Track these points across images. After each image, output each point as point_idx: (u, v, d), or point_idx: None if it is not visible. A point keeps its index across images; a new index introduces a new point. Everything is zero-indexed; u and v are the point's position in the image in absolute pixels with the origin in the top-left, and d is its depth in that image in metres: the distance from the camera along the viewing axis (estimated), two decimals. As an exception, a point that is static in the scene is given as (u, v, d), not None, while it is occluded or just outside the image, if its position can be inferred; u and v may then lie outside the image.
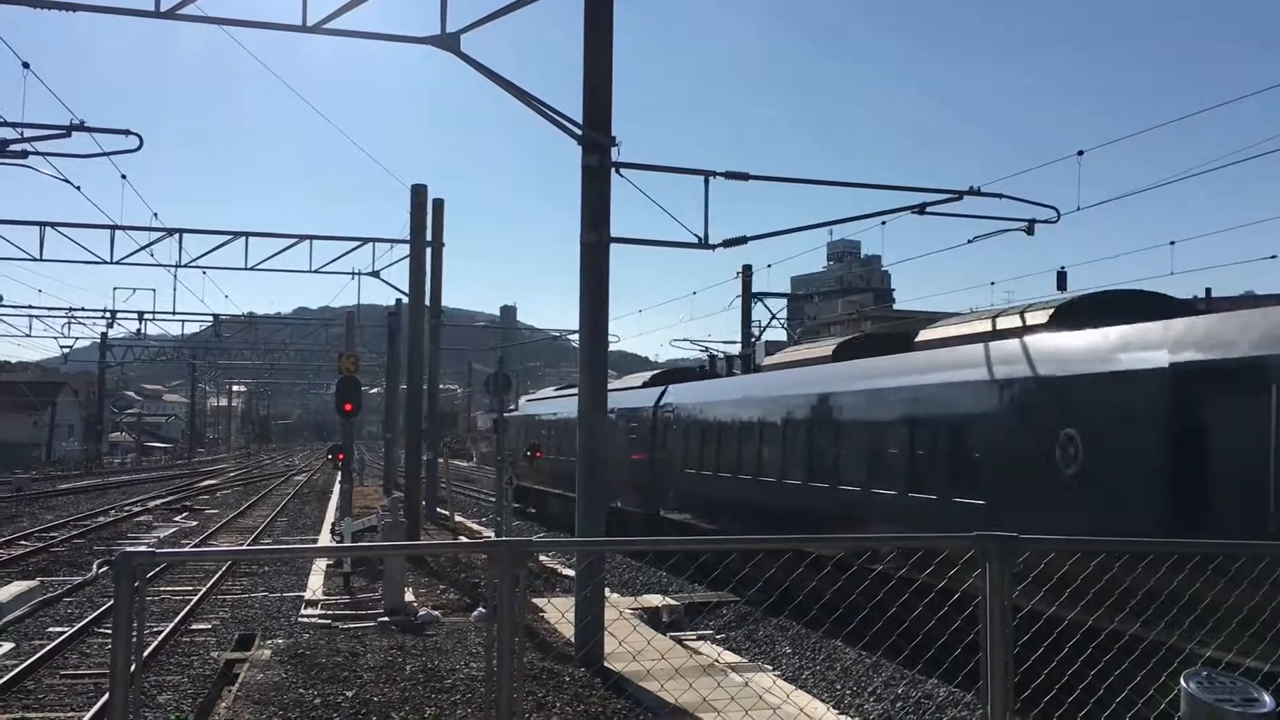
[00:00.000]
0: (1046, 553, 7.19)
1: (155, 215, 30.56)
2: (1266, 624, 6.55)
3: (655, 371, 30.71)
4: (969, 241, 19.71)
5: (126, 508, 36.93)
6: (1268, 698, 4.54)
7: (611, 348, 13.32)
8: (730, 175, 15.64)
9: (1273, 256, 46.56)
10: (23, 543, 25.29)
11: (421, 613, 14.53)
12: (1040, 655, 6.40)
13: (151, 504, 38.83)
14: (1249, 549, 7.44)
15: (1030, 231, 18.24)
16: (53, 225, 29.69)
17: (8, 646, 13.81)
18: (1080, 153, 18.04)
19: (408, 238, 26.18)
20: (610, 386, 32.44)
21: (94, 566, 20.63)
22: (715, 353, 41.41)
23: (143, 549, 4.12)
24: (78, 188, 23.94)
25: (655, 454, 24.74)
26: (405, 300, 27.90)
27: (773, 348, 21.90)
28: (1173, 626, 6.68)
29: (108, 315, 50.56)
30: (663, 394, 25.24)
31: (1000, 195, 17.70)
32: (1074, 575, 6.51)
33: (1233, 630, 6.63)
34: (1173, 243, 28.16)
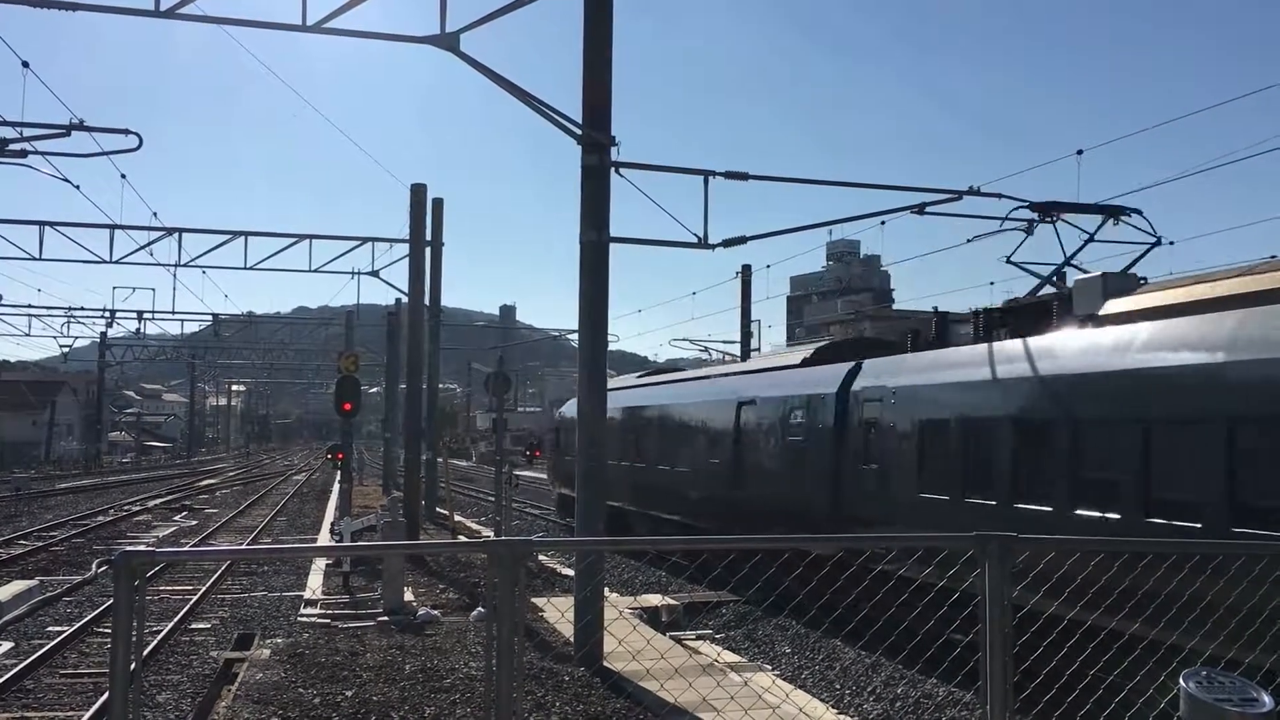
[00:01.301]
0: (1046, 552, 7.18)
1: (155, 214, 30.60)
2: (1266, 623, 6.56)
3: (816, 344, 21.72)
4: (968, 241, 19.69)
5: (126, 507, 36.93)
6: (1267, 697, 4.54)
7: (611, 347, 13.32)
8: (730, 175, 15.65)
9: (1272, 256, 46.57)
10: (22, 542, 25.29)
11: (421, 612, 14.54)
12: (1040, 655, 6.41)
13: (151, 503, 38.82)
14: (1248, 548, 7.45)
15: (1030, 231, 18.25)
16: (52, 224, 29.72)
17: (7, 646, 13.81)
18: (1079, 152, 18.07)
19: (407, 237, 26.17)
20: (734, 369, 24.59)
21: (93, 566, 20.63)
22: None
23: (142, 548, 4.13)
24: (77, 187, 24.00)
25: (845, 466, 16.29)
26: (405, 300, 27.90)
27: (1113, 285, 12.85)
28: (1172, 626, 6.68)
29: (107, 315, 50.70)
30: (854, 374, 16.60)
31: (1000, 195, 17.71)
32: (1073, 575, 6.51)
33: (1232, 629, 6.64)
34: (1172, 242, 28.16)
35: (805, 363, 19.38)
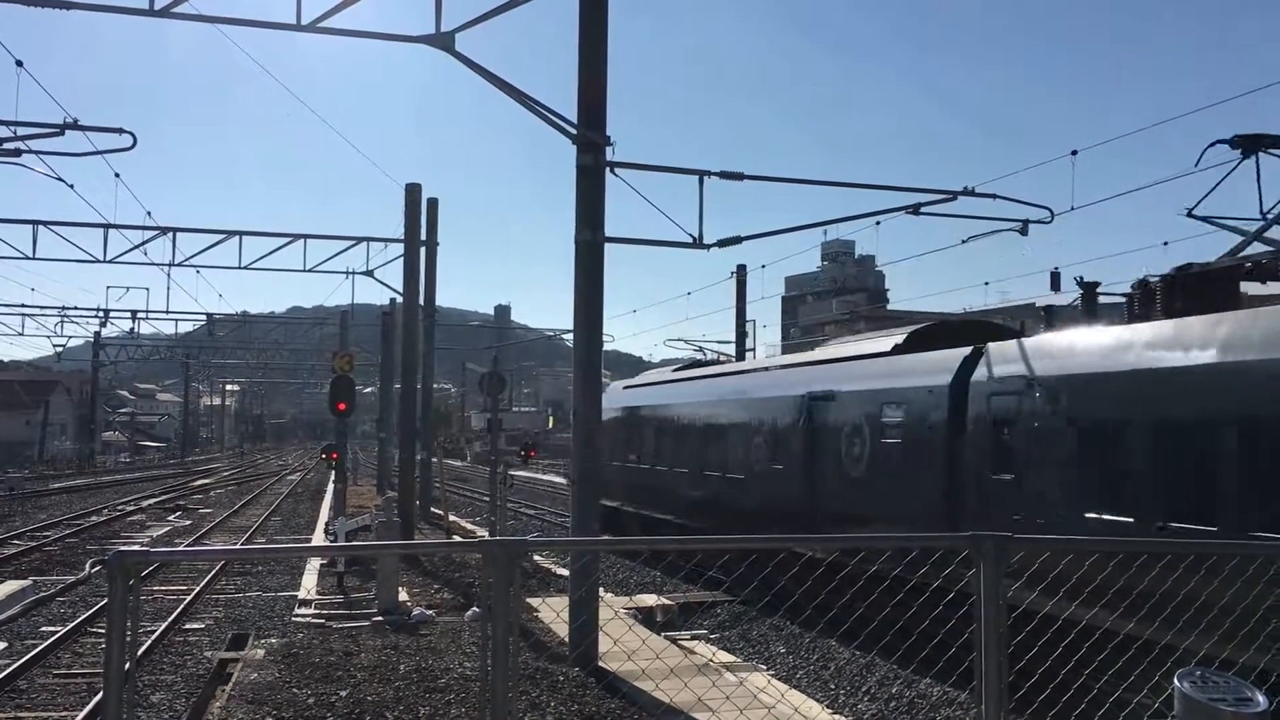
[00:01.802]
0: (1041, 552, 7.19)
1: (149, 214, 30.50)
2: (1260, 622, 6.57)
3: (910, 329, 17.38)
4: (963, 242, 19.72)
5: (119, 507, 36.86)
6: (1261, 696, 4.55)
7: (606, 347, 13.32)
8: (725, 175, 15.64)
9: (1264, 259, 46.55)
10: (15, 542, 25.23)
11: (415, 612, 14.53)
12: (1035, 654, 6.41)
13: (145, 503, 38.75)
14: (1242, 548, 7.46)
15: (1024, 232, 18.29)
16: (46, 224, 29.64)
17: (1, 646, 13.78)
18: (1074, 152, 18.10)
19: (402, 237, 26.14)
20: (800, 359, 20.24)
21: (87, 566, 20.58)
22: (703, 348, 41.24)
23: (137, 548, 4.12)
24: (71, 186, 23.87)
25: (965, 475, 13.25)
26: (399, 299, 27.89)
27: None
28: (1167, 625, 6.69)
29: (101, 314, 50.57)
30: (973, 361, 13.56)
31: (994, 196, 17.75)
32: (1069, 574, 6.52)
33: (1226, 629, 6.65)
34: (1166, 243, 28.23)
35: (897, 350, 16.15)
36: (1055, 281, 25.12)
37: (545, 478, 64.31)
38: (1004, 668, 4.79)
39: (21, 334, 51.88)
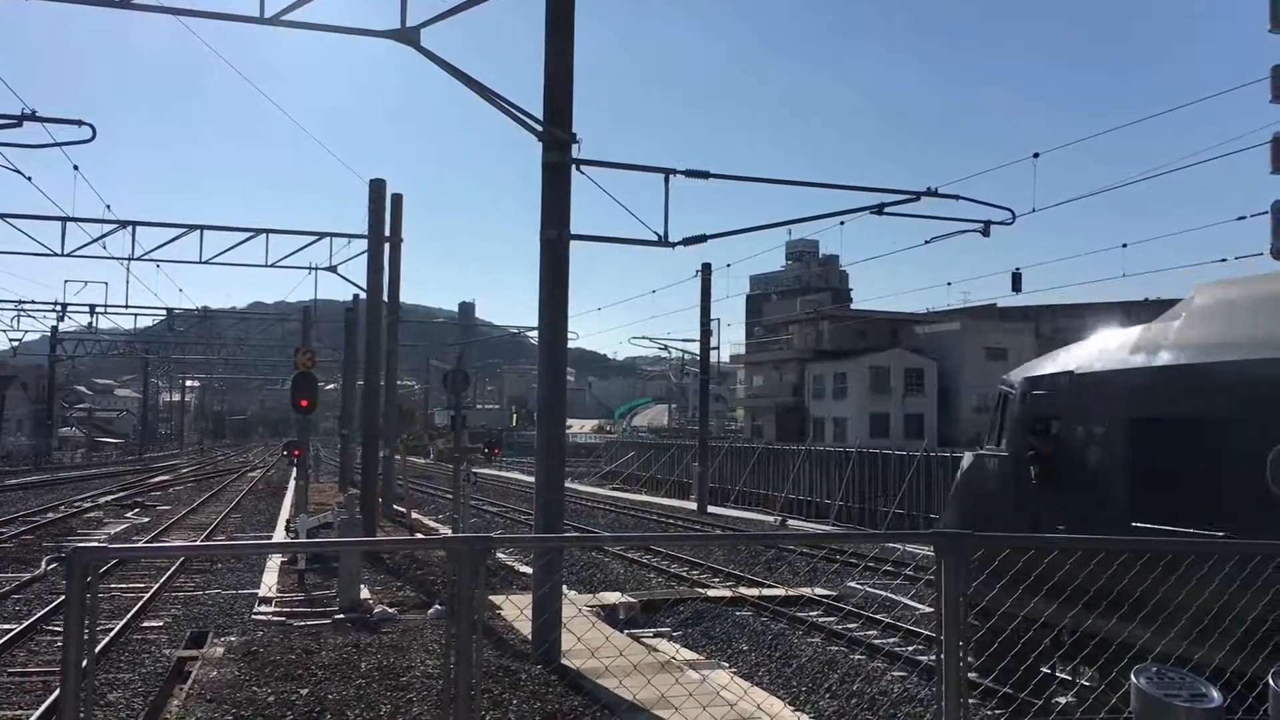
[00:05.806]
0: (1002, 549, 7.26)
1: (108, 207, 30.18)
2: (1215, 620, 6.67)
3: None
4: (926, 242, 19.89)
5: (77, 504, 36.38)
6: (1215, 693, 4.61)
7: (570, 345, 13.29)
8: (690, 173, 15.65)
9: (1222, 260, 47.35)
10: (-31, 539, 24.85)
11: (377, 610, 14.47)
12: (994, 651, 6.48)
13: (102, 500, 38.28)
14: (1198, 546, 7.56)
15: (986, 233, 18.46)
16: (2, 216, 29.21)
17: (-47, 644, 13.57)
18: (1036, 155, 18.30)
19: (366, 232, 25.98)
20: None
21: (43, 563, 20.32)
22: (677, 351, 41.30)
23: (95, 544, 4.07)
24: (29, 178, 23.55)
25: None
26: (363, 296, 27.71)
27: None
28: (1124, 622, 6.77)
29: (58, 308, 49.94)
30: None
31: (957, 197, 17.91)
32: (1028, 572, 6.59)
33: (1182, 626, 6.74)
34: (1125, 245, 28.62)
35: None
36: (1016, 282, 25.45)
37: (509, 475, 64.16)
38: (964, 663, 4.84)
39: (-24, 328, 51.18)
